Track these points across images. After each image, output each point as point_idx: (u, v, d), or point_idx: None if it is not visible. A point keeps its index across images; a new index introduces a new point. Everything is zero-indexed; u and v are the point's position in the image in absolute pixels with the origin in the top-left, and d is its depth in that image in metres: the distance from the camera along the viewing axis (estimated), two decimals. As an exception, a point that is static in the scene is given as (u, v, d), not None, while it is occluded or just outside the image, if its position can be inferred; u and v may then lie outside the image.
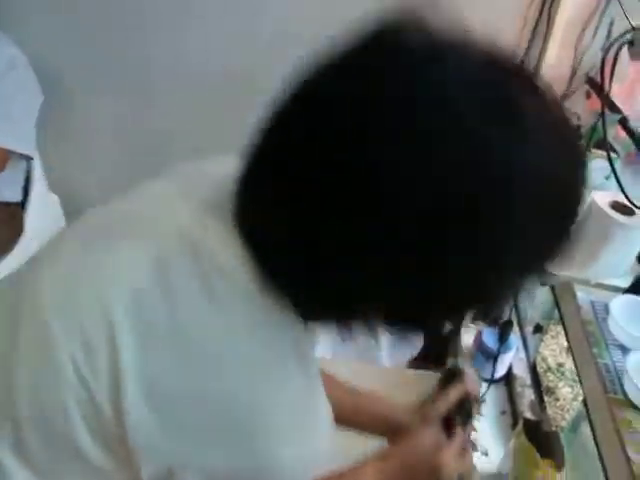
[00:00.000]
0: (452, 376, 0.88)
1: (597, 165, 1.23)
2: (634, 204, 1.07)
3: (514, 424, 1.41)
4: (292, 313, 0.55)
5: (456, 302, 0.52)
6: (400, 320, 0.54)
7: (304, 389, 0.57)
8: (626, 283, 1.14)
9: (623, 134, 1.19)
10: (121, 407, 0.53)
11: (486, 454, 1.42)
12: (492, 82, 0.45)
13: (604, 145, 1.16)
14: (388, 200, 0.44)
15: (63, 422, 0.55)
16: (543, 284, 1.19)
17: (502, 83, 0.46)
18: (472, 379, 0.88)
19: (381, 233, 0.45)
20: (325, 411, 0.61)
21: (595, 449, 0.96)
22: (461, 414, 0.84)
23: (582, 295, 1.15)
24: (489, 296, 0.53)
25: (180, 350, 0.53)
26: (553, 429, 1.27)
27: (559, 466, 1.16)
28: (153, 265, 0.55)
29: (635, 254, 1.13)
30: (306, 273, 0.51)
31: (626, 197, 1.06)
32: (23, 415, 0.57)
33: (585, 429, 1.33)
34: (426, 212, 0.44)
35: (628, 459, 0.87)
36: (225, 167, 0.60)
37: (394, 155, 0.44)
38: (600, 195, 1.12)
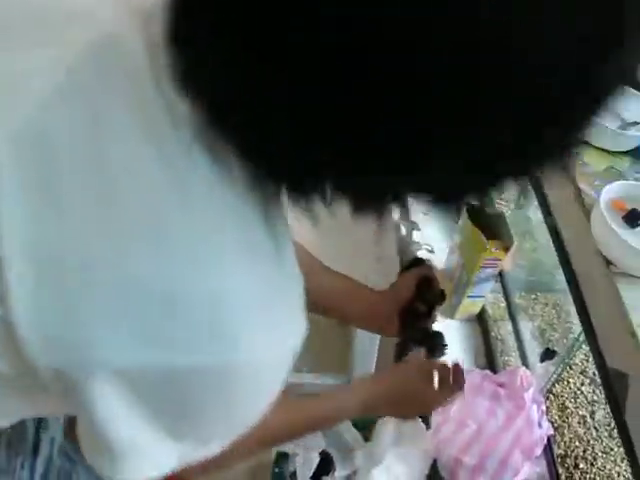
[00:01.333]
0: (416, 264, 0.89)
1: None
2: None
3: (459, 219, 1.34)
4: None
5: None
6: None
7: (272, 260, 0.44)
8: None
9: None
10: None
11: (432, 251, 1.37)
12: None
13: None
14: None
15: None
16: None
17: None
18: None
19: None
20: (298, 299, 0.46)
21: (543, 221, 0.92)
22: (424, 300, 0.85)
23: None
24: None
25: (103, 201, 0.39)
26: (497, 211, 1.21)
27: (507, 247, 1.10)
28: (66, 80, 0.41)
29: None
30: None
31: None
32: None
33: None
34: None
35: (579, 191, 0.82)
36: None
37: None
38: None
